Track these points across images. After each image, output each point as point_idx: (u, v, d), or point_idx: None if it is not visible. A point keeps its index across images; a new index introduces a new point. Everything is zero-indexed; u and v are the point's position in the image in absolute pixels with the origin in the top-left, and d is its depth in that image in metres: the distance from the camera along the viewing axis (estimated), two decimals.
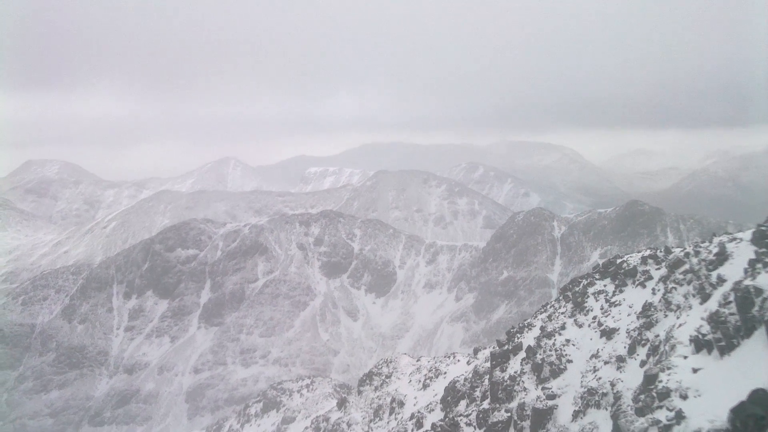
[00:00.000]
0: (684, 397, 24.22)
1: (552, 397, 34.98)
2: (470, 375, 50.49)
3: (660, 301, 33.87)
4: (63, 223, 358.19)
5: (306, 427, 74.65)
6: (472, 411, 44.04)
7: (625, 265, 41.76)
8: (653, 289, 36.74)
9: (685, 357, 26.40)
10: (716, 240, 34.37)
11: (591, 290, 42.48)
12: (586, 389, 32.75)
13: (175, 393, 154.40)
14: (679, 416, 23.35)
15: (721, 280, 29.50)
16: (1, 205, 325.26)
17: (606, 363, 33.70)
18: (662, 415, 24.05)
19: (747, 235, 31.20)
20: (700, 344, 26.32)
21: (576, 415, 32.32)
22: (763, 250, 27.79)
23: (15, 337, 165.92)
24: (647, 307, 34.54)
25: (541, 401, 35.14)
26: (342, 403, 70.97)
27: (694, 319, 28.45)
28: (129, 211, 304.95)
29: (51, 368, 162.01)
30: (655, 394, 25.22)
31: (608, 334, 36.16)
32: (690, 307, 30.45)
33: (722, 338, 25.45)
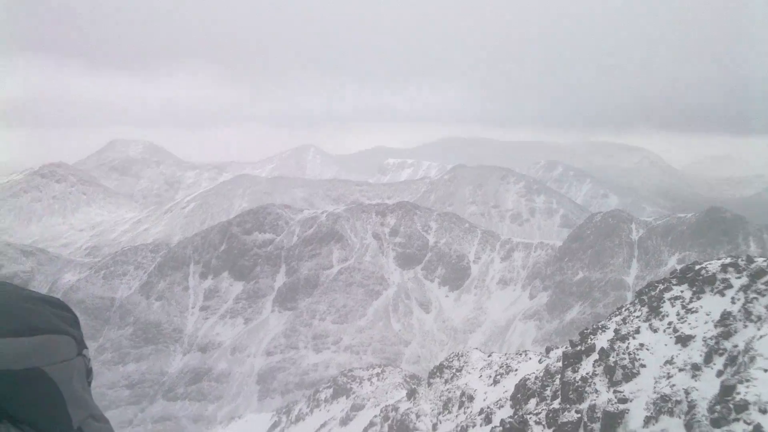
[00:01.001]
0: (763, 411, 23.93)
1: (624, 400, 34.75)
2: (541, 374, 50.41)
3: (740, 310, 33.38)
4: (144, 201, 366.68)
5: (375, 416, 75.25)
6: (542, 410, 44.02)
7: (703, 271, 41.15)
8: (732, 298, 36.17)
9: (766, 370, 26.07)
10: None
11: (667, 295, 41.96)
12: (659, 395, 32.43)
13: (247, 374, 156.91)
14: (758, 431, 23.11)
15: None
16: (87, 182, 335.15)
17: (680, 370, 33.27)
18: (739, 428, 23.81)
19: None
20: None
21: (648, 420, 32.06)
22: None
23: (96, 309, 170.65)
24: (726, 316, 34.07)
25: (612, 404, 34.95)
26: (412, 394, 71.41)
27: None
28: (208, 193, 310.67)
29: (128, 342, 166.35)
30: (732, 406, 24.97)
31: (684, 341, 35.75)
32: None
33: None
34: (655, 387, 33.92)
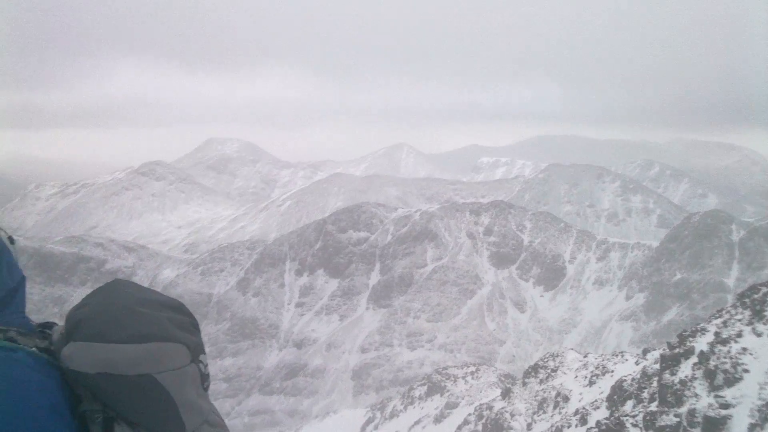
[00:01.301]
0: None
1: (726, 406, 34.20)
2: (638, 375, 49.94)
3: None
4: (240, 199, 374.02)
5: (469, 414, 75.51)
6: (639, 412, 43.70)
7: None
8: None
9: None
10: None
11: None
12: (764, 402, 31.82)
13: (342, 370, 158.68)
14: None
15: None
16: (184, 180, 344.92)
17: None
18: None
19: None
20: None
21: (752, 428, 31.44)
22: None
23: (194, 304, 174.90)
24: None
25: (713, 409, 34.47)
26: (506, 393, 71.47)
27: None
28: (304, 191, 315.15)
29: (226, 336, 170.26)
30: None
31: None
32: None
33: None
34: (760, 393, 33.36)
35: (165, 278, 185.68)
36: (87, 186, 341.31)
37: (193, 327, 3.40)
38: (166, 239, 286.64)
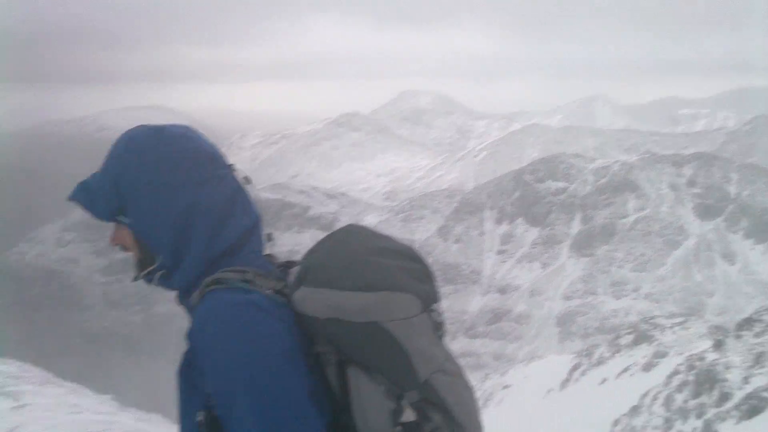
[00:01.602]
0: None
1: None
2: None
3: None
4: (436, 149, 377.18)
5: (679, 364, 76.29)
6: None
7: None
8: None
9: None
10: None
11: None
12: None
13: (545, 317, 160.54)
14: None
15: None
16: (381, 131, 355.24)
17: None
18: None
19: None
20: None
21: None
22: None
23: None
24: None
25: None
26: (719, 345, 72.17)
27: None
28: (499, 142, 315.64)
29: None
30: None
31: None
32: None
33: None
34: None
35: (367, 224, 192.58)
36: (287, 136, 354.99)
37: (426, 275, 3.03)
38: (366, 187, 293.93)
